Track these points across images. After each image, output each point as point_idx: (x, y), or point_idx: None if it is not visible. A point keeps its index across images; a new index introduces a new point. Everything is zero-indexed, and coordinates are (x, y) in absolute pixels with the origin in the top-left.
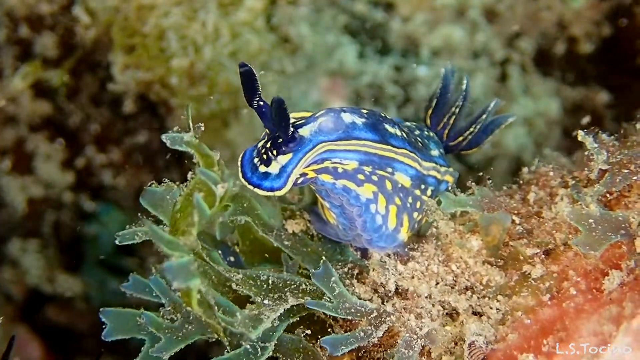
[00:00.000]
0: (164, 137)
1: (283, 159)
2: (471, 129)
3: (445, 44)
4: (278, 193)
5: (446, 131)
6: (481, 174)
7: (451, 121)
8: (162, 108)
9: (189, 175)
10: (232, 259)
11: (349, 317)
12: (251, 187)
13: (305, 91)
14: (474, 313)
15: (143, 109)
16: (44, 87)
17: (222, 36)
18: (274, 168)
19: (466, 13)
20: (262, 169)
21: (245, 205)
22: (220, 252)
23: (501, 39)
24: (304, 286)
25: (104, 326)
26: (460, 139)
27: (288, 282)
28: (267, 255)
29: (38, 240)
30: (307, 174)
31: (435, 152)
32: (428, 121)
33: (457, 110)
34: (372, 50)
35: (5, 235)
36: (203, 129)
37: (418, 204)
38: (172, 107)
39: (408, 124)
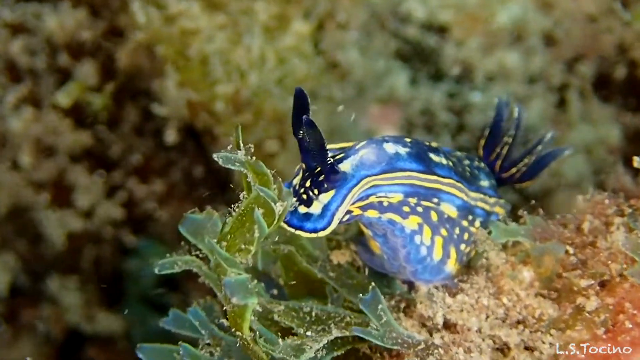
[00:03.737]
0: (215, 155)
1: (325, 197)
2: (525, 160)
3: (501, 69)
4: (322, 234)
5: (499, 162)
6: (534, 203)
7: (504, 151)
8: (206, 137)
9: (241, 195)
10: (275, 291)
11: (395, 347)
12: (292, 230)
13: (354, 119)
14: (526, 348)
15: (186, 139)
16: (85, 110)
17: (267, 61)
18: (316, 208)
19: (522, 37)
20: (303, 209)
21: (288, 233)
22: (263, 284)
23: (559, 63)
24: (348, 319)
25: None
26: (514, 170)
27: (332, 315)
28: (311, 289)
29: (77, 277)
30: (352, 212)
31: (485, 183)
32: (481, 152)
33: (510, 140)
34: (424, 76)
35: (44, 271)
36: (253, 149)
37: (466, 236)
38: (216, 136)
39: (458, 154)
